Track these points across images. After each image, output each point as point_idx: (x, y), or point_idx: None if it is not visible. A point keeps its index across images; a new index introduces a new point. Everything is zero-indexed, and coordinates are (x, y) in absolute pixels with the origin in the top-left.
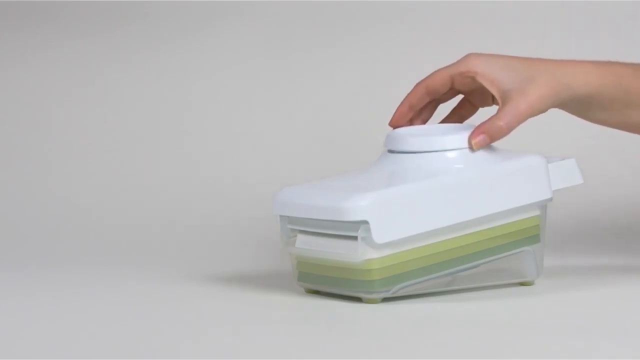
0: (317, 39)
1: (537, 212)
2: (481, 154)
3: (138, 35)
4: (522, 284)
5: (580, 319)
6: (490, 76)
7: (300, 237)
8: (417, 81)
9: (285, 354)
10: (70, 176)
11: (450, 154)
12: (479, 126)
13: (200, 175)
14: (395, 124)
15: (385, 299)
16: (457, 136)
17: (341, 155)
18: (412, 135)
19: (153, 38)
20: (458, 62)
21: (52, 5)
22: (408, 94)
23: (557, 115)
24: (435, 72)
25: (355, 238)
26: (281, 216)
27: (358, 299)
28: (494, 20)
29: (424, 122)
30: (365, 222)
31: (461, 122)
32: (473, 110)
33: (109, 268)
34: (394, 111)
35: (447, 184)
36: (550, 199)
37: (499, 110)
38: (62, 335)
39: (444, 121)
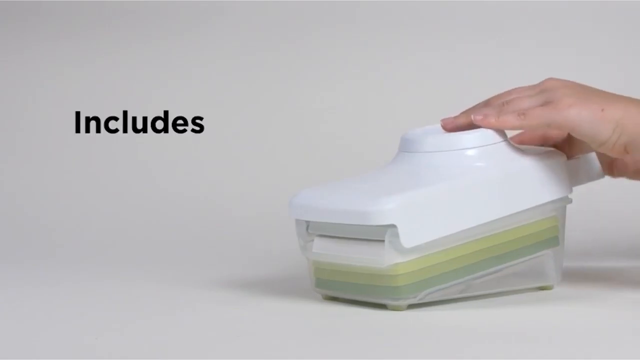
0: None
1: (561, 211)
2: (500, 152)
3: (137, 35)
4: (541, 288)
5: (603, 324)
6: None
7: (318, 241)
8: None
9: None
10: (73, 176)
11: (469, 152)
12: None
13: (208, 180)
14: None
15: (411, 306)
16: (475, 134)
17: (350, 156)
18: (429, 135)
19: (153, 37)
20: (553, 110)
21: (47, 4)
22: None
23: None
24: (529, 123)
25: (380, 242)
26: (297, 220)
27: (382, 306)
28: (494, 21)
29: None
30: (393, 226)
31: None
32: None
33: (112, 267)
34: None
35: (472, 183)
36: (570, 200)
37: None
38: (63, 336)
39: None
